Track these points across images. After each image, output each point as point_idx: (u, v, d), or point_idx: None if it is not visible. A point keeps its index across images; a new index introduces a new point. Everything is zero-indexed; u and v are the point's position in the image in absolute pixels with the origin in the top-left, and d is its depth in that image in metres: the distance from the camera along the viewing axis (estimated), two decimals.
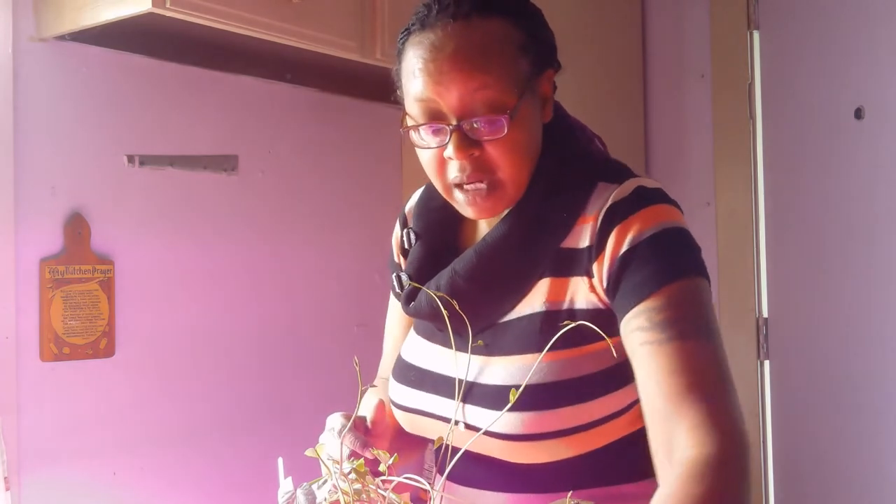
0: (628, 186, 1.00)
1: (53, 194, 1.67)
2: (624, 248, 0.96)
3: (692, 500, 0.79)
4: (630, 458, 1.01)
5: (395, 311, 1.28)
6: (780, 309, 2.61)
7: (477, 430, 0.99)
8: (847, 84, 2.51)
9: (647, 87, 2.85)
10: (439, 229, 1.14)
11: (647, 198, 0.99)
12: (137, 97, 1.81)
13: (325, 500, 0.95)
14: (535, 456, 0.99)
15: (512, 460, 1.01)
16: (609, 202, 0.99)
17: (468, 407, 1.01)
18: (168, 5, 1.47)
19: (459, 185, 1.01)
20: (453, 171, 1.00)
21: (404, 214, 1.23)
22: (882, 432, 2.42)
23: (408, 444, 1.15)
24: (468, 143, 0.98)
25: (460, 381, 1.03)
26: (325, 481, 0.96)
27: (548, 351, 0.97)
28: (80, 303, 1.68)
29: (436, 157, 1.01)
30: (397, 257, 1.23)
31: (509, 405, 0.95)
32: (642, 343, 0.92)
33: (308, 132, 2.17)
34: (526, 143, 1.02)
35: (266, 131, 2.08)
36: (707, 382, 0.88)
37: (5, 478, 1.55)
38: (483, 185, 1.00)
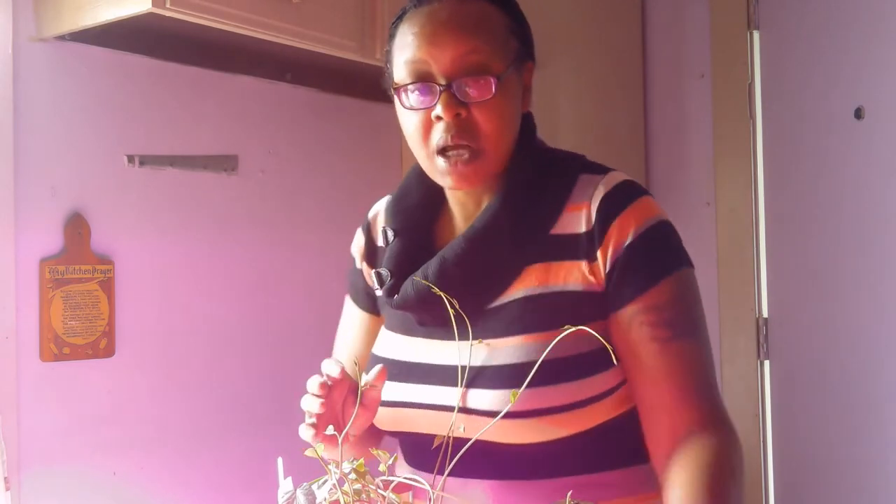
0: (614, 178, 1.08)
1: (53, 194, 1.67)
2: (629, 238, 1.03)
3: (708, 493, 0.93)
4: (614, 444, 1.06)
5: (350, 316, 1.30)
6: (780, 309, 2.61)
7: (476, 412, 1.01)
8: (847, 84, 2.51)
9: (647, 87, 2.85)
10: (416, 226, 1.16)
11: (637, 190, 1.08)
12: (137, 97, 1.81)
13: (325, 499, 0.95)
14: (527, 435, 1.00)
15: (503, 441, 1.01)
16: (601, 192, 1.06)
17: (467, 391, 1.03)
18: (168, 5, 1.47)
19: (443, 151, 1.04)
20: (438, 134, 1.04)
21: (368, 222, 1.25)
22: (882, 432, 2.42)
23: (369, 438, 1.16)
24: (456, 102, 1.02)
25: (463, 367, 1.04)
26: (325, 481, 0.96)
27: (539, 332, 1.02)
28: (80, 303, 1.68)
29: (422, 121, 1.05)
30: (360, 264, 1.25)
31: (508, 407, 0.96)
32: (652, 339, 1.02)
33: (308, 132, 2.17)
34: (509, 114, 1.07)
35: (266, 131, 2.08)
36: (706, 384, 1.03)
37: (5, 478, 1.56)
38: (465, 153, 1.04)
